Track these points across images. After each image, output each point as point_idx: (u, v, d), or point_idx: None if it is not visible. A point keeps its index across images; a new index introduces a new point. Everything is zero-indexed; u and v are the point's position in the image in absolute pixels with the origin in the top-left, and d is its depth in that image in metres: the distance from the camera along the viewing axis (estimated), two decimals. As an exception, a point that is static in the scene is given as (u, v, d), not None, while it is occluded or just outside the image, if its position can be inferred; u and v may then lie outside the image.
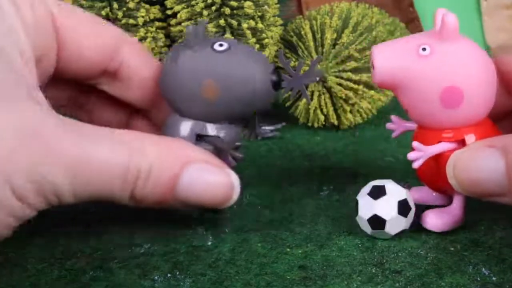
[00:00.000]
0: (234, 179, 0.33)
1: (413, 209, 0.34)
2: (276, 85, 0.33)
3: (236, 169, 0.34)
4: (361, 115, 0.52)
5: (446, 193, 0.35)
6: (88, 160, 0.29)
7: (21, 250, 0.34)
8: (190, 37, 0.33)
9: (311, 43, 0.51)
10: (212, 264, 0.33)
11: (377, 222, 0.33)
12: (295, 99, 0.52)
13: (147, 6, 0.49)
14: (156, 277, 0.31)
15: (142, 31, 0.48)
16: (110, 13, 0.47)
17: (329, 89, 0.50)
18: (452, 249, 0.33)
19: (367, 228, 0.34)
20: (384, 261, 0.32)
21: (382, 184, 0.34)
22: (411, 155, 0.33)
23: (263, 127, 0.52)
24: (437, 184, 0.35)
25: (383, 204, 0.33)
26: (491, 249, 0.32)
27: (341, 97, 0.50)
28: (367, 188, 0.34)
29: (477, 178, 0.31)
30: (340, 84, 0.50)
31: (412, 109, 0.34)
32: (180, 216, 0.38)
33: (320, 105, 0.51)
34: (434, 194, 0.36)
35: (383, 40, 0.52)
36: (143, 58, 0.37)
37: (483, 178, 0.31)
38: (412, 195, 0.36)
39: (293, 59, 0.51)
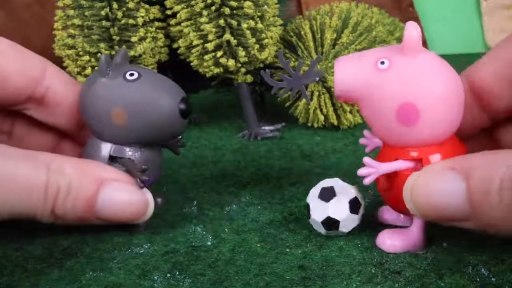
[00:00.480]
0: (148, 196, 0.35)
1: (363, 203, 0.34)
2: (184, 113, 0.34)
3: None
4: (360, 115, 0.52)
5: (407, 214, 0.33)
6: (8, 178, 0.31)
7: (21, 250, 0.34)
8: (103, 66, 0.34)
9: (311, 43, 0.51)
10: (211, 264, 0.33)
11: (330, 223, 0.33)
12: (295, 99, 0.52)
13: (146, 6, 0.49)
14: (155, 277, 0.31)
15: (141, 31, 0.48)
16: (110, 13, 0.47)
17: (329, 89, 0.50)
18: (451, 249, 0.33)
19: (321, 229, 0.34)
20: (384, 261, 0.32)
21: (330, 185, 0.34)
22: (361, 171, 0.32)
23: (263, 127, 0.52)
24: (397, 206, 0.33)
25: (334, 205, 0.33)
26: (490, 250, 0.32)
27: (341, 97, 0.50)
28: (316, 190, 0.34)
29: (436, 203, 0.29)
30: (340, 84, 0.50)
31: (371, 124, 0.32)
32: (180, 217, 0.38)
33: (320, 105, 0.51)
34: (402, 215, 0.34)
35: (383, 40, 0.52)
36: (68, 84, 0.37)
37: (442, 202, 0.29)
38: (382, 215, 0.35)
39: (293, 59, 0.51)
